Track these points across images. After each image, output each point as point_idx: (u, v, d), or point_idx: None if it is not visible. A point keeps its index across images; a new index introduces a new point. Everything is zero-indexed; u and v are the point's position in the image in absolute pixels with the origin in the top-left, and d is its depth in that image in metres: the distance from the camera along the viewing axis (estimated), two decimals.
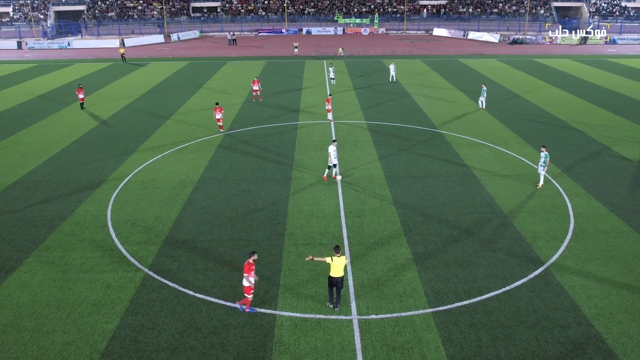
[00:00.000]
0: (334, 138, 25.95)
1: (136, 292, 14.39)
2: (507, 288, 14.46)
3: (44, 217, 19.03)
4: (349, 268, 15.43)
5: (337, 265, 13.02)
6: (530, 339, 12.42)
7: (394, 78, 45.12)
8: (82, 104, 36.11)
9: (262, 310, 13.54)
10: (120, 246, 16.85)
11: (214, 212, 19.26)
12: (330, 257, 13.07)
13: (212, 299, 13.99)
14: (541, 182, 21.43)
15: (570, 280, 14.85)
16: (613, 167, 23.87)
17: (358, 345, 12.24)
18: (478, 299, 13.99)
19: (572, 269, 15.43)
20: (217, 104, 29.46)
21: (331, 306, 13.58)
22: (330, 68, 45.42)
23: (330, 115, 31.78)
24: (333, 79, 44.29)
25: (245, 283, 13.12)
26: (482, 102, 35.04)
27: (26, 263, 15.90)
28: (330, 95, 32.96)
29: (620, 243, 16.94)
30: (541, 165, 20.99)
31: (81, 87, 36.40)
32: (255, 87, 37.68)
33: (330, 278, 13.18)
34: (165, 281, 14.85)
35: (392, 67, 45.32)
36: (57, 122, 32.77)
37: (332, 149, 21.62)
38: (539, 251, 16.41)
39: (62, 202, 20.33)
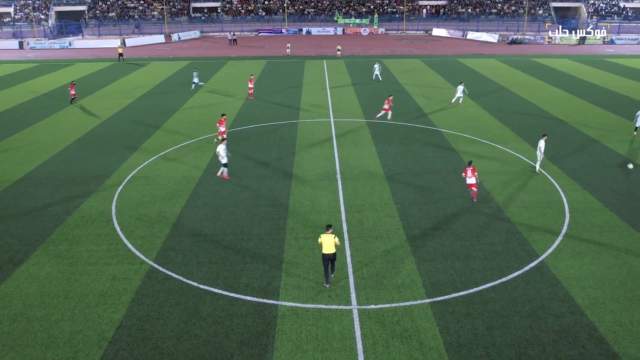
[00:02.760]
0: (224, 137, 25.38)
1: (141, 283, 14.77)
2: (503, 279, 14.85)
3: (50, 212, 19.41)
4: (348, 260, 15.83)
5: (326, 242, 14.12)
6: (525, 328, 12.81)
7: (379, 77, 46.00)
8: (73, 99, 37.79)
9: (265, 300, 13.93)
10: (125, 240, 17.24)
11: (216, 207, 19.65)
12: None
13: (216, 290, 14.37)
14: (538, 167, 23.05)
15: (564, 272, 15.24)
16: (609, 164, 24.27)
17: (358, 334, 12.62)
18: (474, 289, 14.37)
19: (566, 261, 15.82)
20: (222, 115, 27.07)
21: (327, 286, 14.32)
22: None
23: (381, 114, 32.08)
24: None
25: (470, 182, 19.63)
26: (459, 98, 36.15)
27: (34, 256, 16.28)
28: (390, 96, 33.09)
29: (614, 237, 17.33)
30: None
31: (74, 84, 38.11)
32: (250, 85, 38.68)
33: (323, 255, 14.23)
34: (170, 273, 15.23)
35: (376, 67, 46.41)
36: (60, 120, 33.16)
37: (220, 148, 21.88)
38: (534, 244, 16.80)
39: (68, 197, 20.71)
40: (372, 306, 13.67)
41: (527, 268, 15.43)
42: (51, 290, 14.49)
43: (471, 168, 19.67)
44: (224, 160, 22.03)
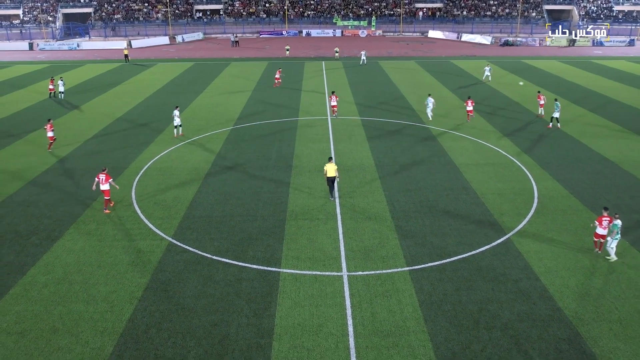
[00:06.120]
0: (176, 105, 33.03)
1: (162, 255, 17.23)
2: (473, 252, 17.31)
3: (77, 197, 21.89)
4: (341, 237, 18.30)
5: (330, 168, 20.45)
6: (487, 289, 15.27)
7: (364, 61, 59.19)
8: (50, 94, 42.06)
9: (268, 268, 16.40)
10: (146, 220, 19.71)
11: (224, 193, 22.12)
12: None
13: (227, 260, 16.85)
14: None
15: (527, 246, 17.70)
16: (579, 157, 26.73)
17: (347, 293, 15.10)
18: (448, 260, 16.84)
19: (529, 238, 18.28)
20: (333, 92, 34.65)
21: (332, 199, 20.96)
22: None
23: (541, 111, 35.04)
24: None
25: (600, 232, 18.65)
26: (488, 77, 46.31)
27: (67, 233, 18.77)
28: (539, 92, 36.92)
29: (574, 219, 19.80)
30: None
31: (52, 79, 42.73)
32: (277, 75, 46.73)
33: (327, 178, 20.64)
34: (187, 247, 17.71)
35: (363, 53, 59.74)
36: (76, 118, 35.65)
37: (176, 113, 30.12)
38: (503, 225, 19.26)
39: (91, 185, 23.13)
40: (360, 273, 16.14)
41: (494, 243, 17.90)
42: (86, 260, 16.97)
43: (608, 218, 16.50)
44: (178, 122, 30.03)
